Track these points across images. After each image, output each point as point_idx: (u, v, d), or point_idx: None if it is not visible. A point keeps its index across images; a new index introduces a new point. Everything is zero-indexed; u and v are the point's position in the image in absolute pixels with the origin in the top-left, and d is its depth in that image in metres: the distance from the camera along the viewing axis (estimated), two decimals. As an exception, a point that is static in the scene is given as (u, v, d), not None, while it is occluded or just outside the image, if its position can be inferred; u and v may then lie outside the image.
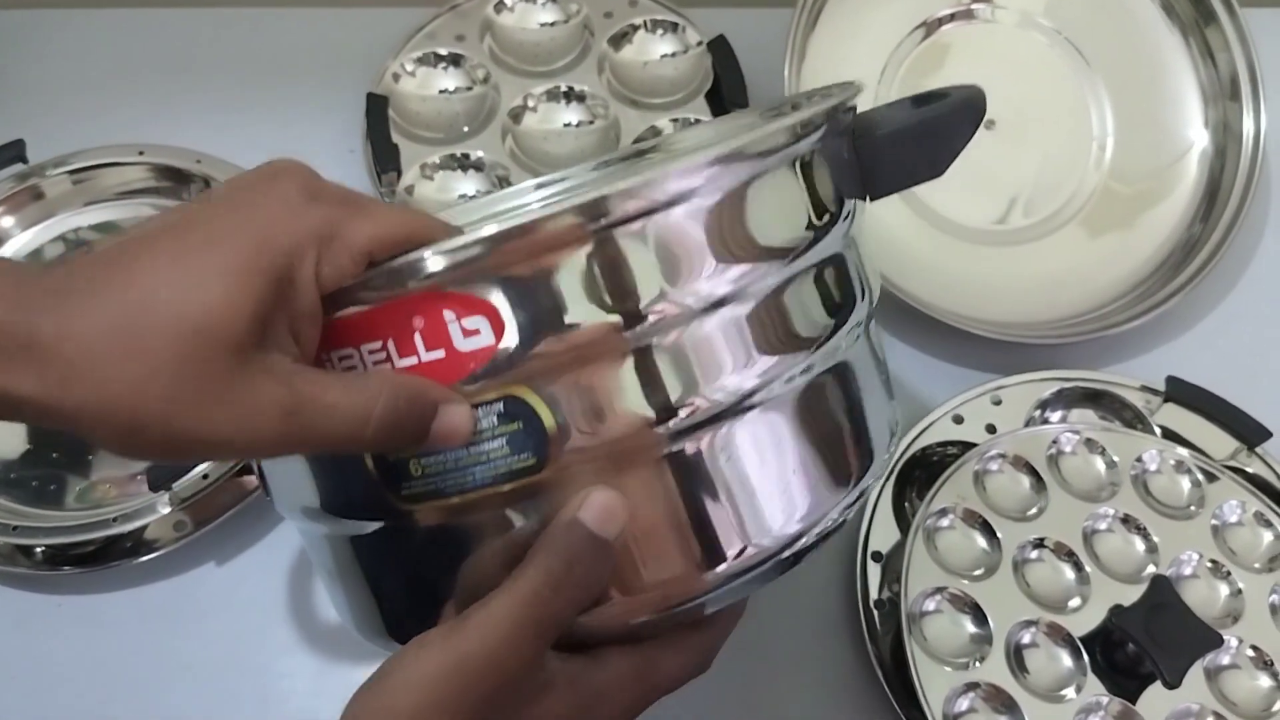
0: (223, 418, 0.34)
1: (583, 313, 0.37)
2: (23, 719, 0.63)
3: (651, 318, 0.38)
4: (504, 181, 0.81)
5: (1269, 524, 0.65)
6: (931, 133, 0.44)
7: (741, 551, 0.41)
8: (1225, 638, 0.60)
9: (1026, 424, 0.71)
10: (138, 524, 0.66)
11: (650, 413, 0.38)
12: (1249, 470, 0.69)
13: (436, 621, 0.40)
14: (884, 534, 0.66)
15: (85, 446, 0.70)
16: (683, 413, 0.39)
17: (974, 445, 0.68)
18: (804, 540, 0.42)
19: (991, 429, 0.70)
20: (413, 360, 0.37)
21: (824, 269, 0.43)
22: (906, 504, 0.68)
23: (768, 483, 0.41)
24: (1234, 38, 0.80)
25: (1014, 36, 0.82)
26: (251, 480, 0.68)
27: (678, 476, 0.40)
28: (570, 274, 0.37)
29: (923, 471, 0.69)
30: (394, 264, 0.37)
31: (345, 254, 0.36)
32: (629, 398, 0.38)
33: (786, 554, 0.42)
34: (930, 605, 0.62)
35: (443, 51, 0.86)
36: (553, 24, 0.87)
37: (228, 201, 0.37)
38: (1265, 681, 0.60)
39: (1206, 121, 0.82)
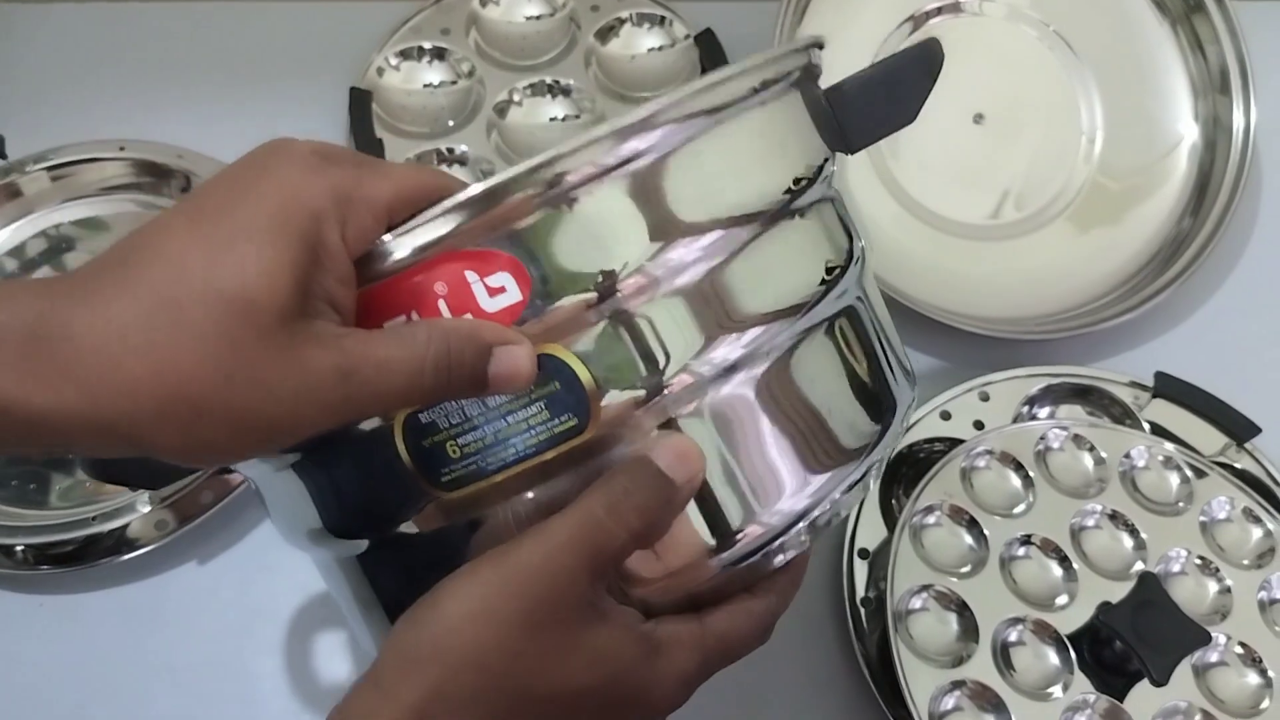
0: (282, 389, 0.32)
1: (615, 258, 0.37)
2: (3, 718, 0.63)
3: (683, 254, 0.37)
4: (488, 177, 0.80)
5: (1258, 520, 0.65)
6: (894, 79, 0.44)
7: (743, 531, 0.40)
8: (1213, 635, 0.60)
9: (1014, 420, 0.70)
10: (119, 523, 0.65)
11: (679, 360, 0.38)
12: (1238, 466, 0.69)
13: None
14: (871, 531, 0.66)
15: (66, 445, 0.70)
16: (717, 355, 0.38)
17: (961, 442, 0.67)
18: (809, 518, 0.41)
19: (979, 425, 0.70)
20: None
21: (811, 210, 0.43)
22: (894, 501, 0.68)
23: (773, 451, 0.40)
24: (1224, 30, 0.79)
25: (1002, 30, 0.82)
26: (234, 478, 0.67)
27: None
28: (596, 217, 0.37)
29: (910, 468, 0.69)
30: (412, 222, 0.36)
31: (367, 212, 0.35)
32: (659, 346, 0.38)
33: (792, 531, 0.41)
34: (916, 603, 0.62)
35: (427, 45, 0.85)
36: (538, 17, 0.87)
37: (241, 173, 0.35)
38: (1253, 679, 0.60)
39: (1196, 115, 0.82)
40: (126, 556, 0.65)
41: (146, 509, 0.65)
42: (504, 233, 0.36)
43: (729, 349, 0.39)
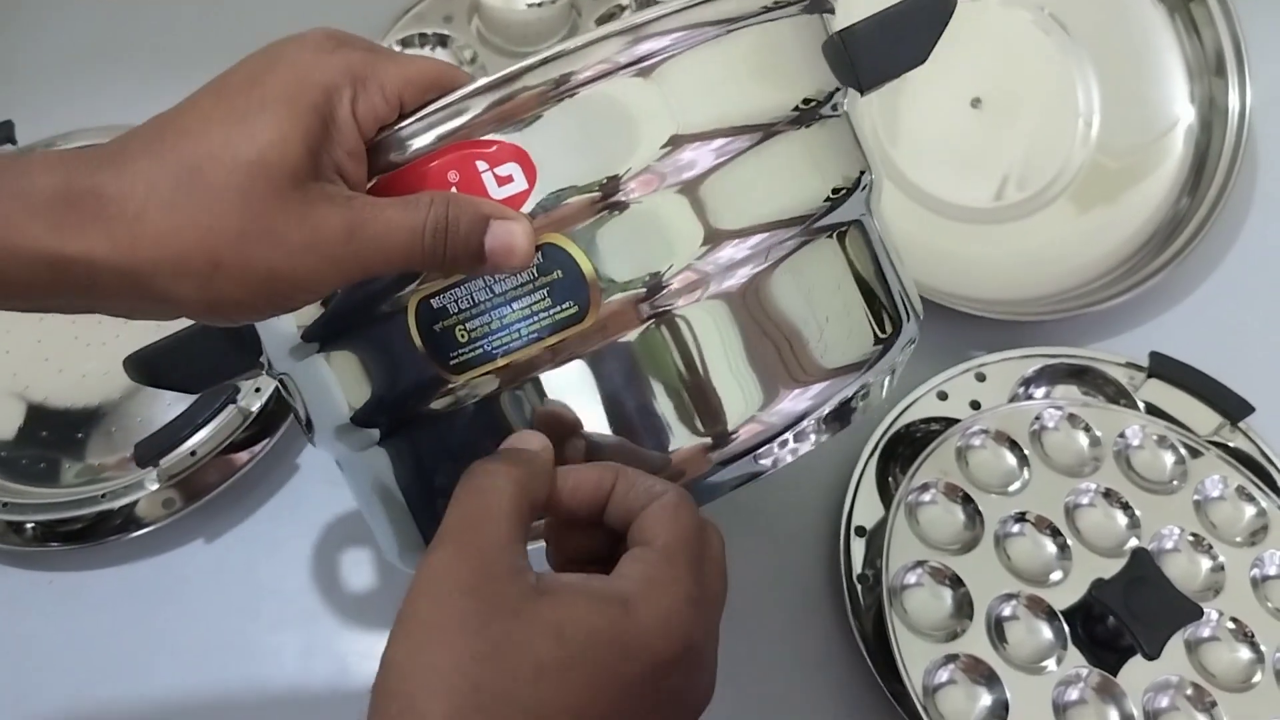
0: (293, 244, 0.35)
1: (624, 155, 0.38)
2: (11, 694, 0.64)
3: (691, 155, 0.39)
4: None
5: (1251, 498, 0.65)
6: (906, 21, 0.45)
7: (740, 430, 0.41)
8: (1205, 610, 0.60)
9: (1010, 400, 0.71)
10: (127, 500, 0.66)
11: (684, 257, 0.39)
12: (1232, 445, 0.70)
13: None
14: (868, 509, 0.67)
15: (75, 424, 0.71)
16: (722, 255, 0.40)
17: (958, 421, 0.68)
18: (805, 422, 0.42)
19: (975, 405, 0.71)
20: None
21: (822, 130, 0.44)
22: (890, 479, 0.68)
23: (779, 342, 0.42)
24: (1219, 13, 0.80)
25: (999, 14, 0.82)
26: (240, 457, 0.68)
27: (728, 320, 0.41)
28: (606, 113, 0.38)
29: (906, 447, 0.69)
30: (427, 109, 0.38)
31: (378, 92, 0.38)
32: (664, 241, 0.39)
33: (789, 434, 0.42)
34: (911, 579, 0.62)
35: (430, 32, 0.86)
36: (540, 4, 0.87)
37: (260, 56, 0.37)
38: (1245, 653, 0.61)
39: (1192, 97, 0.82)
40: (134, 534, 0.67)
41: (154, 487, 0.66)
42: (515, 124, 0.38)
43: (734, 249, 0.40)
